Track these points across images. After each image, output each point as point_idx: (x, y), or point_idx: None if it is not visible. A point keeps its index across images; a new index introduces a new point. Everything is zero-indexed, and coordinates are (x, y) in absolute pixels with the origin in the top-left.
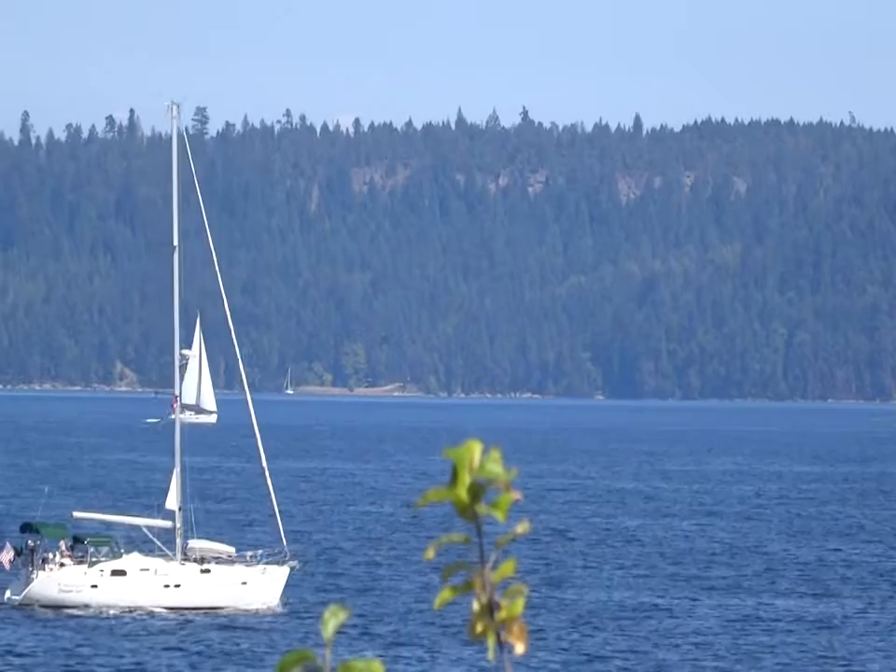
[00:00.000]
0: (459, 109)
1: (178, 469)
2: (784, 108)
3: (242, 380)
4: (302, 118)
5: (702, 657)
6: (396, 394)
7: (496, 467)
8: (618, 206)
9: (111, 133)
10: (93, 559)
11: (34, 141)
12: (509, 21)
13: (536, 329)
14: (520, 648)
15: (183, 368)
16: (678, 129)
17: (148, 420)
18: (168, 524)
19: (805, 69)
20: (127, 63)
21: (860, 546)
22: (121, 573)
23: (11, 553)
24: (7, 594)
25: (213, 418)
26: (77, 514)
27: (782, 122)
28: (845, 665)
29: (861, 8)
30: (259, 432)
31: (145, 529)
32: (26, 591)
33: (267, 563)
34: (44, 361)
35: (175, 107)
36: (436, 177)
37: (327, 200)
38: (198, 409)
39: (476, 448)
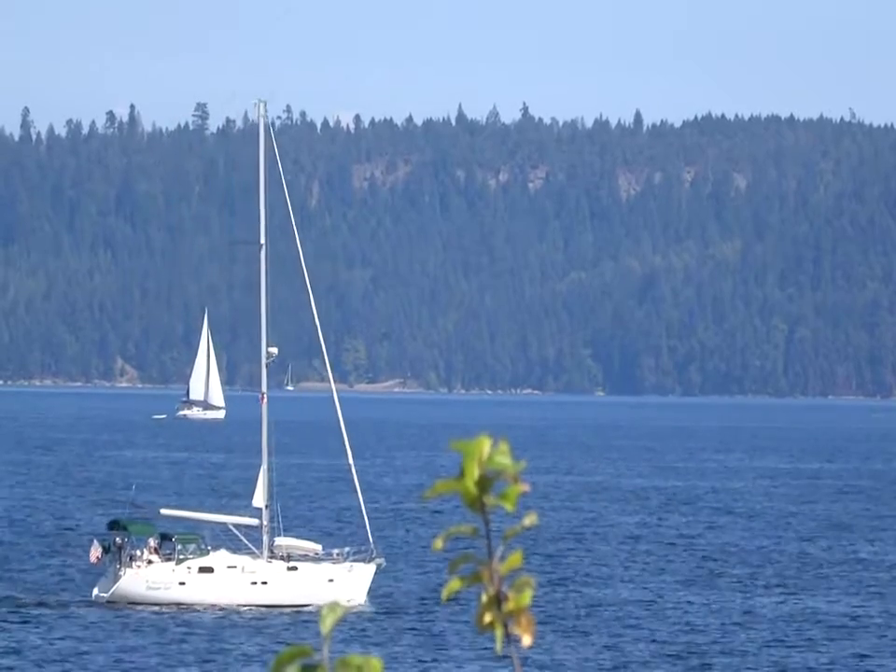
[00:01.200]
0: (460, 105)
1: (265, 467)
2: (784, 104)
3: (329, 378)
4: (303, 114)
5: (705, 653)
6: (396, 390)
7: (504, 458)
8: (618, 202)
9: (111, 129)
10: (181, 556)
11: (34, 137)
12: (509, 18)
13: (536, 326)
14: (527, 639)
15: (269, 366)
16: (678, 124)
17: (155, 416)
18: (255, 521)
19: (805, 65)
20: (127, 58)
21: (860, 543)
22: (209, 570)
23: (99, 550)
24: (95, 591)
25: (221, 414)
26: (164, 511)
27: (782, 118)
28: (849, 662)
29: (862, 5)
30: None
31: (232, 527)
32: (114, 588)
33: (353, 560)
34: (44, 357)
35: (262, 105)
36: (436, 173)
37: (327, 196)
38: (206, 405)
39: (485, 440)
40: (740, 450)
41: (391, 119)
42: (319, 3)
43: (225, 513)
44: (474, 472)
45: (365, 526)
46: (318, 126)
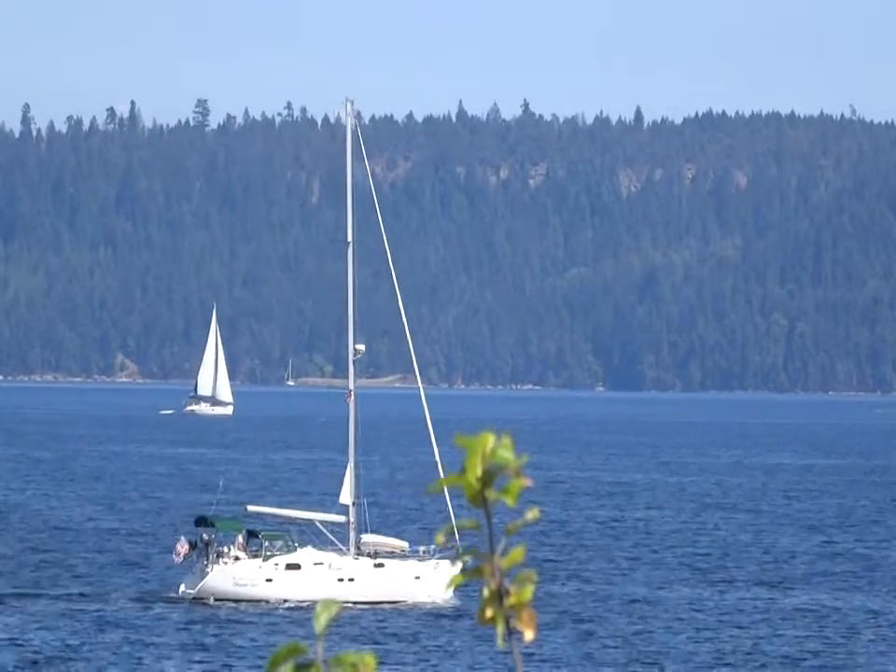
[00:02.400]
0: (460, 102)
1: (352, 464)
2: (785, 101)
3: (416, 375)
4: (303, 110)
5: (706, 651)
6: (396, 385)
7: (506, 453)
8: (619, 199)
9: (112, 125)
10: (268, 553)
11: (34, 133)
12: (509, 14)
13: (536, 322)
14: (529, 634)
15: (357, 362)
16: (678, 121)
17: (163, 411)
18: (342, 518)
19: (805, 62)
20: (128, 55)
21: (862, 539)
22: (296, 567)
23: (186, 547)
24: (182, 587)
25: (229, 410)
26: (251, 508)
27: (783, 115)
28: (849, 659)
29: (862, 1)
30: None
31: (318, 524)
32: (201, 584)
33: (440, 558)
34: (45, 353)
35: (349, 104)
36: (436, 170)
37: (327, 192)
38: (214, 400)
39: (489, 435)
40: (741, 446)
41: (391, 116)
42: (318, 0)
43: (312, 510)
44: (477, 467)
45: (452, 524)
46: (319, 123)
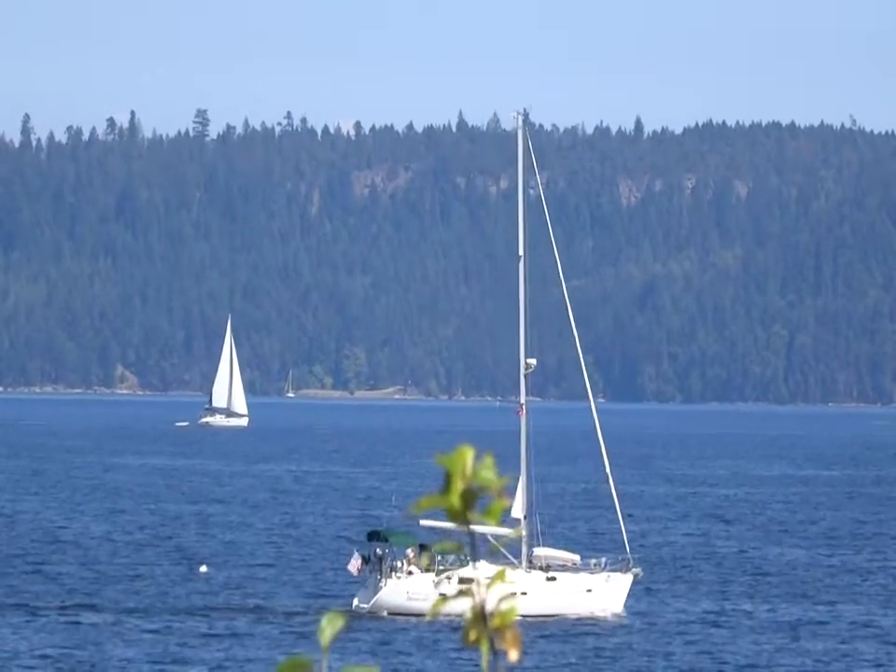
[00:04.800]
0: (460, 112)
1: (524, 478)
2: (785, 111)
3: (587, 388)
4: (303, 120)
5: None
6: (396, 397)
7: (488, 473)
8: (619, 209)
9: (112, 136)
10: (441, 567)
11: (34, 143)
12: (509, 24)
13: (536, 332)
14: (513, 654)
15: (527, 377)
16: (678, 131)
17: (178, 423)
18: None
19: (806, 72)
20: (128, 64)
21: (867, 552)
22: (468, 581)
23: (359, 561)
24: (356, 602)
25: (244, 421)
26: (423, 522)
27: (783, 125)
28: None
29: (863, 11)
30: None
31: (490, 537)
32: (375, 599)
33: (611, 571)
34: (44, 364)
35: (519, 117)
36: (437, 180)
37: (327, 203)
38: (229, 412)
39: (468, 454)
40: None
41: (392, 126)
42: (319, 9)
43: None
44: (458, 487)
45: (623, 536)
46: (319, 133)
